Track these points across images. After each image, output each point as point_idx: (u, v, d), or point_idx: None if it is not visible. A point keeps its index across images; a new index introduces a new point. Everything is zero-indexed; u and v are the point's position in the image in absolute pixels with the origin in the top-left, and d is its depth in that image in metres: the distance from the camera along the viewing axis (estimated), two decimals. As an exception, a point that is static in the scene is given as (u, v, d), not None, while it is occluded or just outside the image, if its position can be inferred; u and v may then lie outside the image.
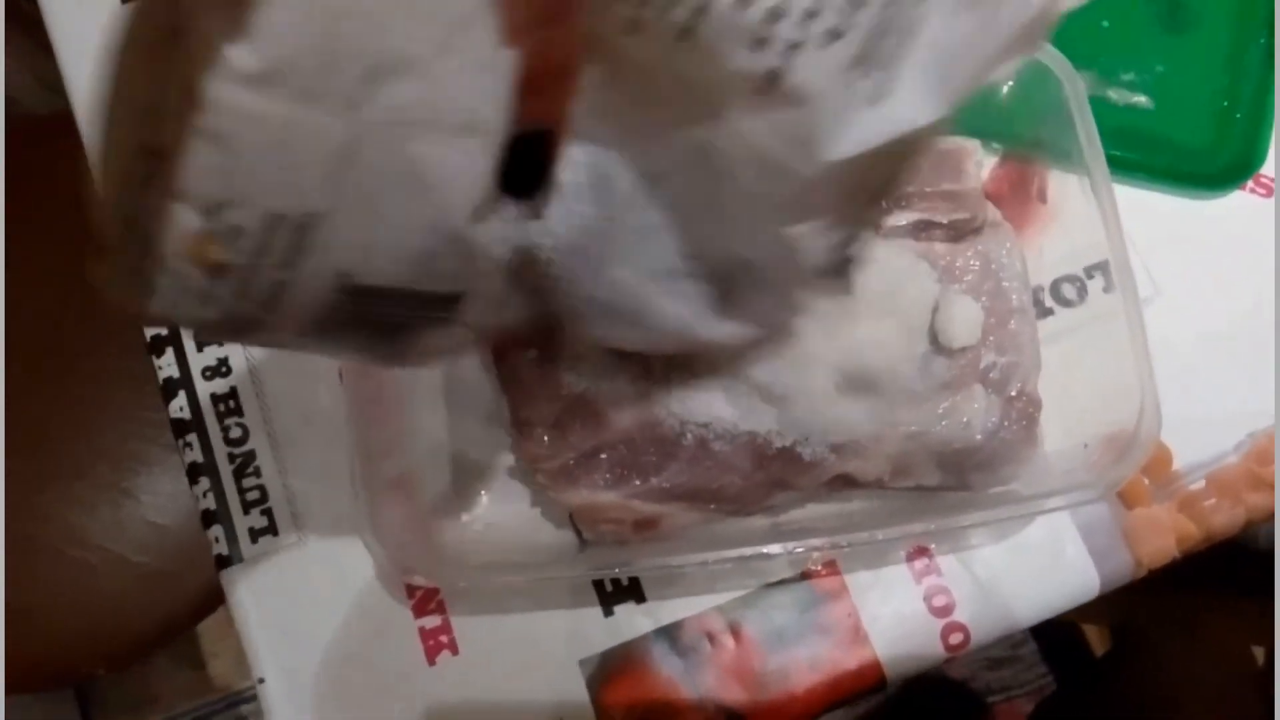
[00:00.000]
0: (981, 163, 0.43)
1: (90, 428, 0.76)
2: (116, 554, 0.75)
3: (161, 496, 0.77)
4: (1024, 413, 0.40)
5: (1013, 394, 0.40)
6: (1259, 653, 0.91)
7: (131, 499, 0.76)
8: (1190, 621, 0.88)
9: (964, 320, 0.39)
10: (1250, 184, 0.48)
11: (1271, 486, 0.44)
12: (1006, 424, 0.39)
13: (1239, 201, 0.48)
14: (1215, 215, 0.48)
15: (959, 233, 0.41)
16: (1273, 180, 0.49)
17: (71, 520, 0.75)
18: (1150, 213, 0.48)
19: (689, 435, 0.39)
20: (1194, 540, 0.44)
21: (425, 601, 0.43)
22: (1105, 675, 0.87)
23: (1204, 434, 0.45)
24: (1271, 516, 0.45)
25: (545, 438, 0.39)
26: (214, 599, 0.77)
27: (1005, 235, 0.41)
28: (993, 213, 0.41)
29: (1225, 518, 0.44)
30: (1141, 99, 0.49)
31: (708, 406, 0.39)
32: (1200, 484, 0.45)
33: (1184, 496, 0.45)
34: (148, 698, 1.18)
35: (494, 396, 0.44)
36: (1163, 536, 0.44)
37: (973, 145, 0.43)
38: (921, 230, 0.41)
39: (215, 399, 0.45)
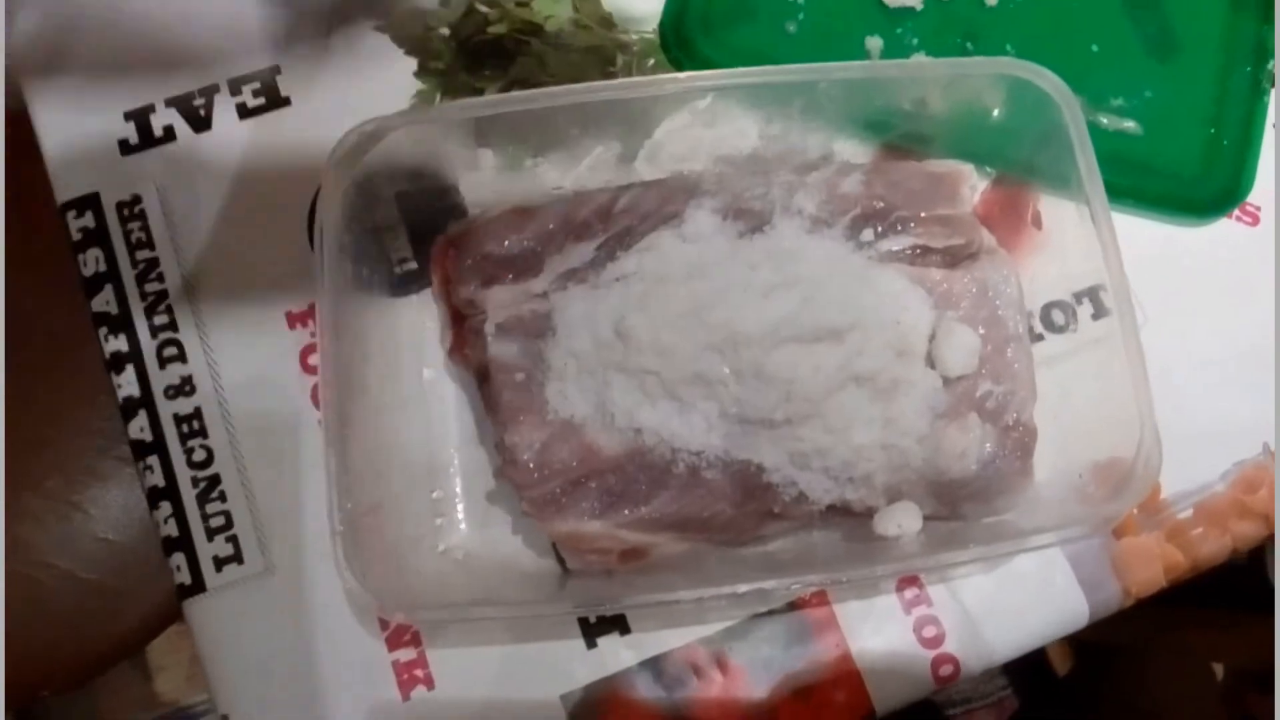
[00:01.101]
0: (975, 187, 0.42)
1: (41, 439, 0.72)
2: (65, 570, 0.72)
3: (113, 510, 0.73)
4: (1019, 443, 0.39)
5: (1009, 424, 0.39)
6: (1218, 669, 0.92)
7: (81, 513, 0.73)
8: (1151, 638, 0.89)
9: (961, 348, 0.38)
10: (1236, 212, 0.48)
11: (1259, 516, 0.44)
12: (1002, 454, 0.39)
13: (1225, 229, 0.48)
14: (1202, 243, 0.48)
15: (954, 258, 0.40)
16: (1259, 209, 0.49)
17: (19, 534, 0.71)
18: (1136, 239, 0.47)
19: (680, 463, 0.38)
20: (1181, 570, 0.44)
21: (400, 634, 0.41)
22: (1073, 694, 0.87)
23: (1191, 463, 0.45)
24: (1257, 546, 0.45)
25: (531, 464, 0.38)
26: (166, 617, 0.74)
27: (1002, 261, 0.40)
28: (988, 239, 0.41)
29: (1213, 547, 0.44)
30: (1130, 124, 0.49)
31: (701, 434, 0.38)
32: (1188, 513, 0.45)
33: (1172, 526, 0.44)
34: (93, 712, 1.14)
35: (478, 420, 0.43)
36: (1151, 566, 0.44)
37: (967, 169, 0.42)
38: (917, 255, 0.40)
39: (178, 419, 0.43)
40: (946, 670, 0.42)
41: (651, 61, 0.48)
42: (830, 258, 0.39)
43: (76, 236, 0.45)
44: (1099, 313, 0.45)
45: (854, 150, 0.45)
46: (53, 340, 0.72)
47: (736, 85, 0.39)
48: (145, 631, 0.73)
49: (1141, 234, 0.48)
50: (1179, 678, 0.87)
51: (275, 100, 0.46)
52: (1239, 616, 0.88)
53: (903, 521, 0.38)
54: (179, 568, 0.42)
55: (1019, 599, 0.43)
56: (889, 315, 0.38)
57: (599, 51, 0.48)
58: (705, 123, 0.43)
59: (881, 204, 0.40)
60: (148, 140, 0.46)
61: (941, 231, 0.40)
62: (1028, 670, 1.08)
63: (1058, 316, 0.45)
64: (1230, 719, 0.79)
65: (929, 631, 0.42)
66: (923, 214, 0.40)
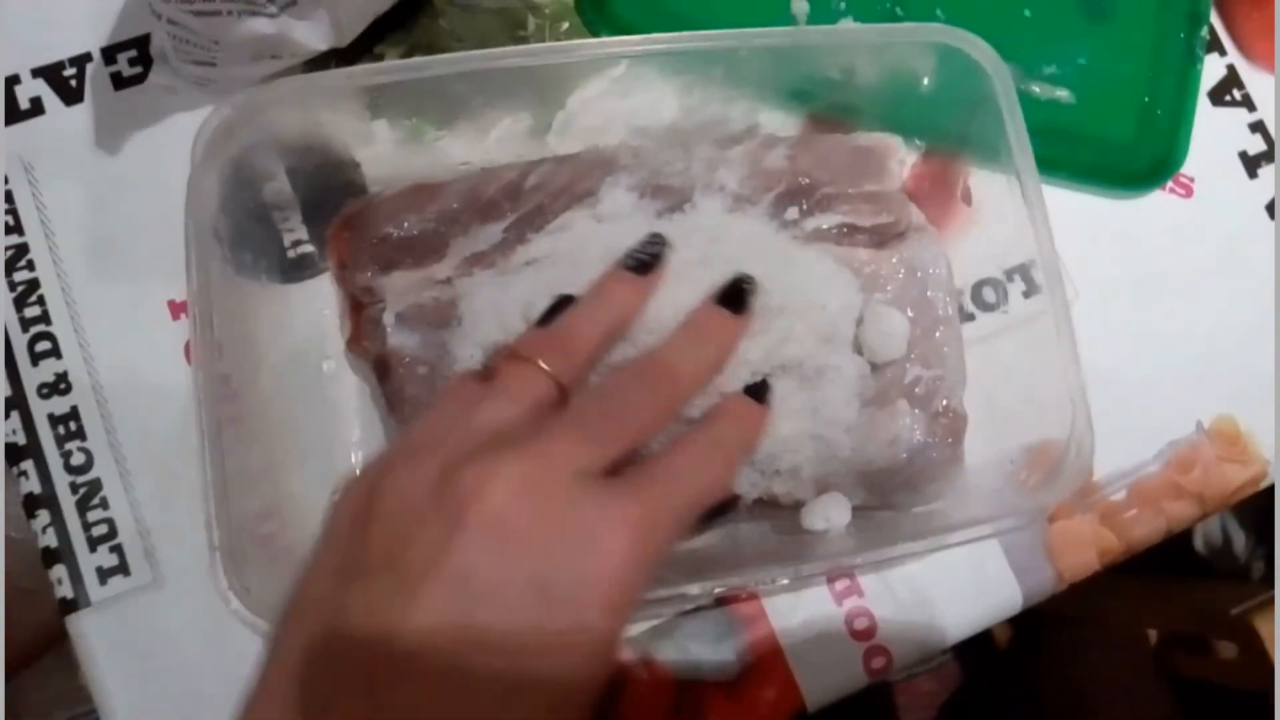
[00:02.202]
0: (904, 161, 0.40)
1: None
2: (-36, 572, 0.68)
3: (14, 507, 0.69)
4: (950, 429, 0.37)
5: (938, 409, 0.37)
6: (1151, 634, 0.93)
7: (-19, 510, 0.69)
8: (1087, 606, 0.90)
9: (889, 334, 0.36)
10: (1170, 184, 0.47)
11: (1193, 496, 0.44)
12: (932, 441, 0.37)
13: (1159, 201, 0.47)
14: (1135, 216, 0.47)
15: (882, 238, 0.38)
16: (1192, 181, 0.47)
17: (-89, 535, 0.67)
18: (1068, 211, 0.45)
19: (596, 459, 0.36)
20: (1115, 553, 0.43)
21: (302, 646, 0.38)
22: (1012, 662, 0.88)
23: (1124, 443, 0.44)
24: (1189, 526, 0.44)
25: (435, 465, 0.35)
26: (78, 616, 0.71)
27: (930, 240, 0.38)
28: (917, 216, 0.39)
29: (1146, 529, 0.43)
30: (1063, 93, 0.47)
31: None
32: (1122, 495, 0.44)
33: (1105, 508, 0.43)
34: (15, 707, 1.10)
35: (382, 415, 0.40)
36: (1084, 550, 0.43)
37: (895, 142, 0.40)
38: (843, 235, 0.38)
39: (54, 420, 0.39)
40: (879, 662, 0.40)
41: (565, 25, 0.45)
42: (753, 237, 0.36)
43: (-66, 221, 0.41)
44: (1030, 290, 0.44)
45: (779, 121, 0.43)
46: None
47: (654, 51, 0.36)
48: (56, 631, 0.69)
49: (1073, 206, 0.46)
50: (1111, 645, 0.88)
51: (152, 70, 0.43)
52: (1168, 581, 0.89)
53: (830, 514, 0.37)
54: (60, 581, 0.38)
55: (952, 587, 0.42)
56: (815, 299, 0.36)
57: (508, 14, 0.45)
58: (621, 92, 0.40)
59: (807, 180, 0.37)
60: (13, 114, 0.42)
61: (869, 209, 0.38)
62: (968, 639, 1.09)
63: (989, 294, 0.44)
64: (1161, 681, 0.80)
65: (861, 623, 0.41)
66: (850, 190, 0.38)
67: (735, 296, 0.33)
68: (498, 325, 0.35)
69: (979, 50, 0.38)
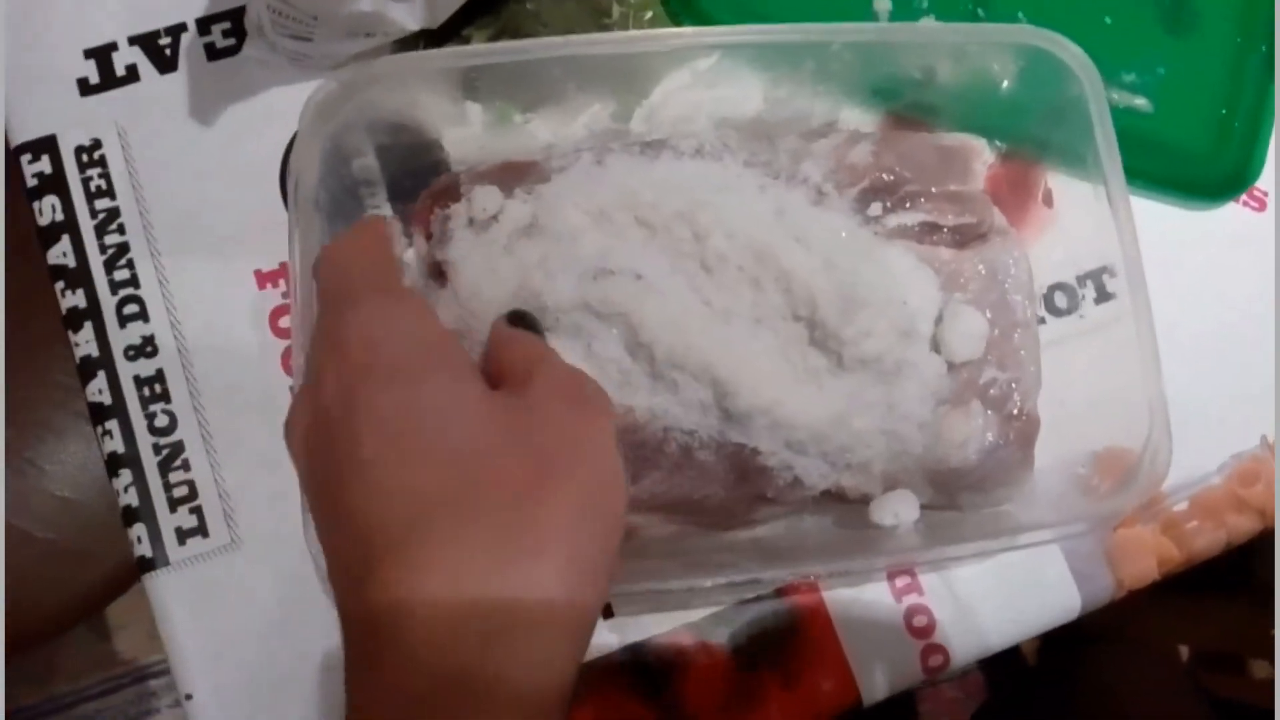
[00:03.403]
0: (986, 162, 0.40)
1: (-8, 390, 0.69)
2: (20, 529, 0.69)
3: (69, 467, 0.71)
4: (1022, 433, 0.38)
5: (1012, 413, 0.37)
6: (1183, 651, 0.93)
7: (36, 469, 0.70)
8: (1122, 622, 0.89)
9: (968, 334, 0.36)
10: (1244, 197, 0.47)
11: (1254, 510, 0.44)
12: (1004, 444, 0.37)
13: (1231, 214, 0.47)
14: (1207, 227, 0.47)
15: (964, 238, 0.38)
16: (1266, 195, 0.47)
17: (-31, 490, 0.68)
18: (1141, 221, 0.45)
19: (672, 443, 0.36)
20: (1175, 563, 0.43)
21: (373, 613, 0.39)
22: (1041, 679, 0.87)
23: (1188, 454, 0.44)
24: (1250, 539, 0.44)
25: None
26: (126, 578, 0.72)
27: (1013, 244, 0.38)
28: (999, 218, 0.39)
29: (1207, 540, 0.43)
30: (1141, 101, 0.47)
31: (695, 414, 0.36)
32: (1184, 505, 0.44)
33: (1167, 518, 0.43)
34: (50, 669, 1.12)
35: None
36: (1145, 559, 0.43)
37: (979, 144, 0.40)
38: (926, 233, 0.38)
39: (139, 382, 0.40)
40: (936, 660, 0.41)
41: (649, 14, 0.45)
42: (838, 231, 0.37)
43: (31, 182, 0.42)
44: (1101, 297, 0.44)
45: (859, 118, 0.43)
46: (8, 289, 0.69)
47: (747, 43, 0.37)
48: (104, 594, 0.71)
49: (1145, 214, 0.46)
50: (1142, 661, 0.87)
51: (246, 42, 0.43)
52: (1200, 599, 0.88)
53: (899, 510, 0.37)
54: (139, 540, 0.39)
55: (1011, 589, 0.42)
56: (896, 295, 0.36)
57: (593, 1, 0.45)
58: (707, 83, 0.40)
59: (891, 177, 0.38)
60: (109, 80, 0.43)
61: (952, 209, 0.38)
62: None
63: (1060, 299, 0.44)
64: (1194, 699, 0.80)
65: (919, 621, 0.41)
66: (933, 189, 0.38)
67: None
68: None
69: (1071, 55, 0.38)
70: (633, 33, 0.43)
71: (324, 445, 0.26)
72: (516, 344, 0.31)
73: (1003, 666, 1.01)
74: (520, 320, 0.33)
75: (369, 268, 0.31)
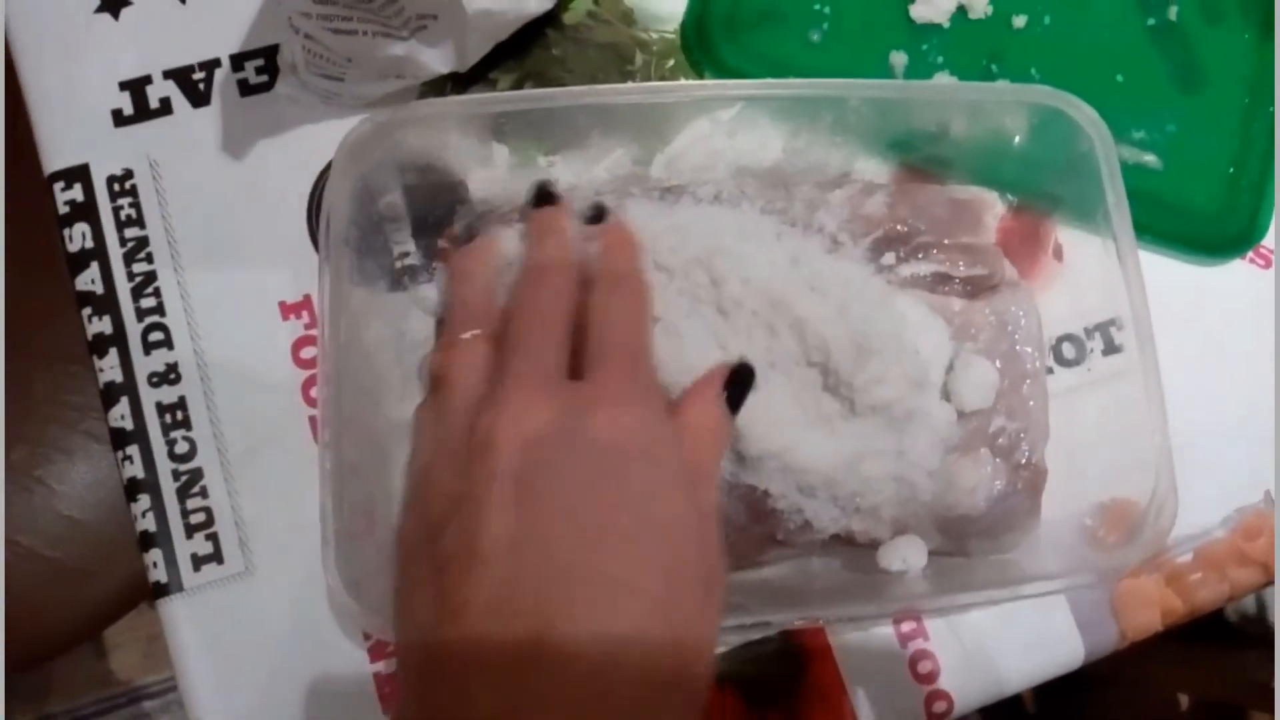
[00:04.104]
0: (999, 215, 0.41)
1: (7, 409, 0.70)
2: (26, 547, 0.69)
3: (78, 487, 0.71)
4: (1030, 482, 0.38)
5: (1020, 462, 0.38)
6: (1182, 700, 0.92)
7: (46, 488, 0.71)
8: (1121, 665, 0.89)
9: (979, 383, 0.37)
10: (1251, 254, 0.48)
11: (1257, 564, 0.44)
12: (1012, 493, 0.38)
13: (1238, 271, 0.48)
14: (1213, 284, 0.47)
15: (975, 289, 0.39)
16: (1272, 252, 0.48)
17: (-22, 507, 0.69)
18: (1147, 276, 0.46)
19: (684, 484, 0.37)
20: (1178, 615, 0.44)
21: (383, 645, 0.39)
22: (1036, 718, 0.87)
23: (1193, 507, 0.44)
24: (1253, 592, 0.45)
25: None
26: (129, 599, 0.72)
27: (1023, 296, 0.39)
28: (1010, 271, 0.40)
29: (1210, 593, 0.44)
30: (1151, 158, 0.48)
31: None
32: (1188, 557, 0.44)
33: (1171, 570, 0.44)
34: (45, 688, 1.11)
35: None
36: (1149, 610, 0.43)
37: (991, 197, 0.41)
38: (938, 283, 0.39)
39: (161, 409, 0.41)
40: (940, 707, 0.41)
41: (671, 63, 0.47)
42: (851, 279, 0.38)
43: (63, 209, 0.43)
44: (1109, 349, 0.45)
45: (874, 169, 0.44)
46: (25, 311, 0.69)
47: (770, 96, 0.38)
48: (107, 615, 0.71)
49: (1152, 270, 0.46)
50: (1141, 708, 0.87)
51: (278, 79, 0.45)
52: (1200, 648, 0.88)
53: (908, 556, 0.38)
54: (155, 564, 0.40)
55: (1016, 636, 0.42)
56: (909, 343, 0.37)
57: (617, 48, 0.47)
58: (728, 131, 0.41)
59: (905, 227, 0.39)
60: (143, 112, 0.44)
61: (964, 260, 0.39)
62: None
63: (1068, 350, 0.45)
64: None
65: (924, 667, 0.41)
66: (946, 241, 0.39)
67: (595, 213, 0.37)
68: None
69: (1084, 115, 0.39)
70: (660, 84, 0.44)
71: (565, 489, 0.27)
72: (712, 419, 0.33)
73: (1001, 710, 1.00)
74: (736, 378, 0.34)
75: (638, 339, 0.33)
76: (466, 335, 0.33)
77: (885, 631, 0.42)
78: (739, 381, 0.34)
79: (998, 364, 0.38)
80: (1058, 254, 0.44)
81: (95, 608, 0.71)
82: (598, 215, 0.36)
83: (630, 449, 0.28)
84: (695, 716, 0.27)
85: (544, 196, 0.36)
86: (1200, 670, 0.89)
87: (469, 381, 0.31)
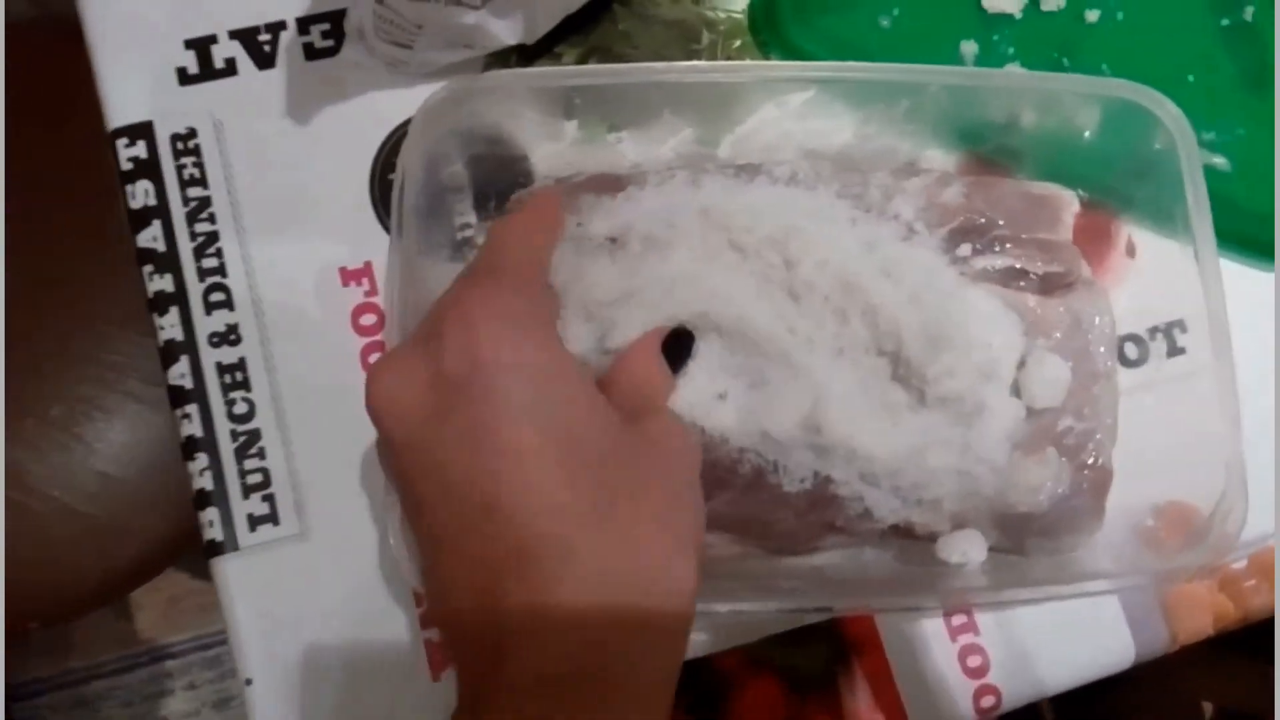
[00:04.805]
0: (1075, 213, 0.41)
1: (47, 365, 0.70)
2: (62, 503, 0.70)
3: (115, 446, 0.71)
4: (1095, 483, 0.38)
5: (1086, 463, 0.38)
6: (1207, 707, 0.92)
7: (83, 445, 0.71)
8: (1144, 668, 0.89)
9: (1050, 380, 0.37)
10: (1316, 260, 0.47)
11: (1314, 574, 0.43)
12: (1076, 494, 0.37)
13: (1304, 276, 0.47)
14: (1274, 289, 0.47)
15: (1050, 286, 0.39)
16: (1336, 259, 0.47)
17: (16, 460, 0.69)
18: (1213, 280, 0.46)
19: (746, 464, 0.37)
20: (1231, 620, 0.43)
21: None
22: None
23: (1249, 512, 0.44)
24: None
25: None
26: (162, 559, 0.73)
27: (1098, 295, 0.39)
28: (1085, 270, 0.39)
29: (1264, 600, 0.43)
30: (1219, 160, 0.47)
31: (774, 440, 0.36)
32: (1242, 563, 0.44)
33: (1225, 575, 0.43)
34: (67, 644, 1.13)
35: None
36: (1202, 615, 0.43)
37: (1069, 195, 0.40)
38: (1012, 278, 0.38)
39: (221, 369, 0.41)
40: (989, 701, 0.41)
41: (738, 43, 0.46)
42: (926, 269, 0.37)
43: (126, 166, 0.43)
44: (1172, 351, 0.44)
45: (941, 159, 0.44)
46: (71, 266, 0.70)
47: (850, 79, 0.37)
48: (140, 572, 0.71)
49: (1219, 273, 0.46)
50: (1164, 712, 0.87)
51: (345, 44, 0.44)
52: (1226, 656, 0.88)
53: (968, 550, 0.37)
54: (211, 523, 0.40)
55: (1066, 634, 0.42)
56: (981, 337, 0.36)
57: (684, 26, 0.46)
58: (799, 115, 0.41)
59: (982, 219, 0.38)
60: (208, 72, 0.44)
61: (1040, 256, 0.38)
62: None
63: (1131, 351, 0.44)
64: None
65: (974, 660, 0.41)
66: (1023, 236, 0.38)
67: None
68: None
69: (1167, 112, 0.38)
70: (738, 63, 0.44)
71: (454, 420, 0.25)
72: (649, 372, 0.31)
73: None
74: (676, 341, 0.33)
75: (524, 253, 0.30)
76: None
77: (935, 624, 0.41)
78: (679, 342, 0.33)
79: (1069, 362, 0.37)
80: (1130, 251, 0.43)
81: (129, 564, 0.71)
82: None
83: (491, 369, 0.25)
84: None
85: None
86: (1225, 678, 0.89)
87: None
